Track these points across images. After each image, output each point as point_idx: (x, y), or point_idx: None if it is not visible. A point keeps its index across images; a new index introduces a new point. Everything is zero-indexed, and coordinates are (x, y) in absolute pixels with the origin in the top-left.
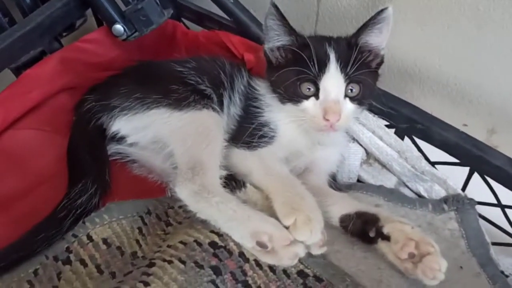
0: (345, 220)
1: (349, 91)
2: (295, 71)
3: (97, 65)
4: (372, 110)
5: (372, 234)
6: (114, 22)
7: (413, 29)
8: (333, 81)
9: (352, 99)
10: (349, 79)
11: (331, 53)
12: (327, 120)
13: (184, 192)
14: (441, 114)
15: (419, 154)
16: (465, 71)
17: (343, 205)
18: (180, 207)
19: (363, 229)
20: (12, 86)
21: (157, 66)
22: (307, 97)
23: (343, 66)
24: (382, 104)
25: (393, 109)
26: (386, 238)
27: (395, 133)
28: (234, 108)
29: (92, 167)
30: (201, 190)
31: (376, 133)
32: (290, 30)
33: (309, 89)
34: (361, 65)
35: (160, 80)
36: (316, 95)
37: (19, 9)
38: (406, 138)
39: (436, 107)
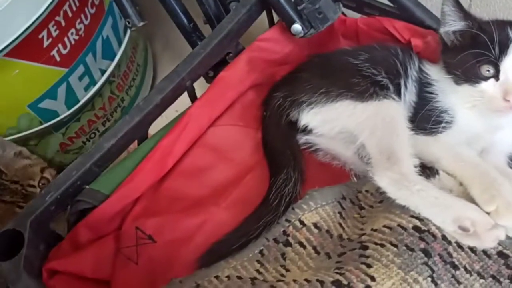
0: None
1: None
2: (475, 53)
3: (275, 61)
4: None
5: None
6: (293, 22)
7: None
8: None
9: None
10: None
11: None
12: (508, 101)
13: (384, 181)
14: None
15: None
16: None
17: None
18: (367, 191)
19: None
20: (211, 88)
21: (334, 60)
22: (486, 79)
23: None
24: None
25: None
26: None
27: None
28: (409, 95)
29: (290, 157)
30: (401, 179)
31: None
32: (465, 15)
33: (488, 70)
34: None
35: (340, 74)
36: (496, 76)
37: (205, 16)
38: None
39: None
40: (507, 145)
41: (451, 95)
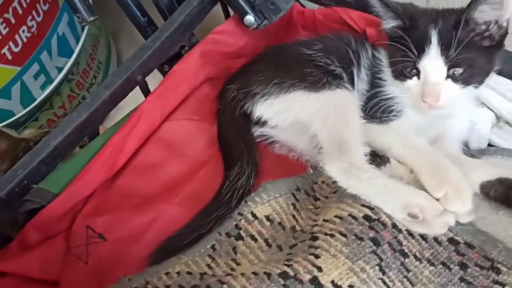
0: (486, 187)
1: (452, 72)
2: (400, 53)
3: (230, 54)
4: (502, 73)
5: None
6: (246, 13)
7: None
8: (432, 64)
9: (455, 79)
10: (450, 63)
11: (433, 36)
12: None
13: (334, 170)
14: None
15: None
16: None
17: (482, 172)
18: (322, 182)
19: (507, 194)
20: (164, 82)
21: (287, 51)
22: (411, 76)
23: (445, 48)
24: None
25: None
26: None
27: None
28: (362, 84)
29: (244, 150)
30: (351, 167)
31: (507, 97)
32: (395, 13)
33: (412, 70)
34: (469, 45)
35: (293, 65)
36: (418, 75)
37: (157, 9)
38: None
39: None
40: (459, 132)
41: (395, 86)
